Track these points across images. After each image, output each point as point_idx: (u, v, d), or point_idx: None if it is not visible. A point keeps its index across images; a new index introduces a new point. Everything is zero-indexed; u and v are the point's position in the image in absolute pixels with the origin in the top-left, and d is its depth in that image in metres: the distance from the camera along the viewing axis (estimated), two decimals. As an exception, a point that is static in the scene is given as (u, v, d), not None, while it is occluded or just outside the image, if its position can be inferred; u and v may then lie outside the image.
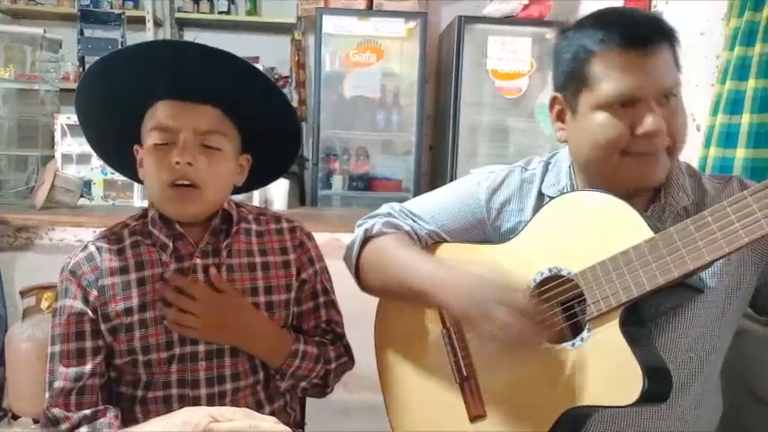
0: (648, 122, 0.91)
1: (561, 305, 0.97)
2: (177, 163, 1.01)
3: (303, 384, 1.15)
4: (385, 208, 1.21)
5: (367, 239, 1.15)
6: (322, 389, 1.19)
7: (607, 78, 0.92)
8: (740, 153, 1.61)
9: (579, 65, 0.95)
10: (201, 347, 1.07)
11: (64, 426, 1.02)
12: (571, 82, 0.98)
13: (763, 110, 1.58)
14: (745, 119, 1.61)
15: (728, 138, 1.66)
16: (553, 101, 1.04)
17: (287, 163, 1.23)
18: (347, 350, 1.22)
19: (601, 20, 0.95)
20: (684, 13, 2.06)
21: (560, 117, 1.03)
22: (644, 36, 0.91)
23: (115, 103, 1.07)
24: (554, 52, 1.03)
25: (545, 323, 0.96)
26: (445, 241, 1.15)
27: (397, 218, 1.17)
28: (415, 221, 1.16)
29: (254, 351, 1.10)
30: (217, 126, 1.04)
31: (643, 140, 0.92)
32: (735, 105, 1.65)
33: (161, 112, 1.03)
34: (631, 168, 0.94)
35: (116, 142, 1.12)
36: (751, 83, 1.61)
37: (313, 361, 1.13)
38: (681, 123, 0.95)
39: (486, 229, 1.13)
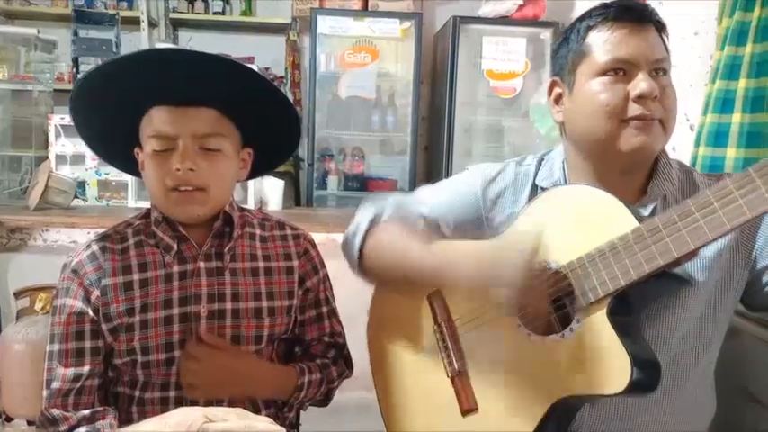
0: (642, 84, 0.95)
1: (550, 297, 0.98)
2: (178, 170, 1.01)
3: (307, 404, 1.18)
4: (389, 197, 1.20)
5: (372, 225, 1.13)
6: (323, 402, 1.21)
7: (602, 47, 0.98)
8: (731, 152, 1.62)
9: (577, 42, 1.02)
10: None
11: (63, 426, 1.02)
12: (569, 60, 1.03)
13: (754, 109, 1.59)
14: (736, 118, 1.61)
15: (718, 137, 1.67)
16: (552, 85, 1.09)
17: (288, 151, 1.22)
18: (347, 361, 1.23)
19: (596, 8, 1.02)
20: (678, 14, 2.07)
21: (558, 101, 1.08)
22: (636, 12, 0.99)
23: (108, 112, 1.07)
24: (552, 50, 1.11)
25: (534, 316, 0.97)
26: (442, 234, 1.15)
27: (402, 206, 1.17)
28: (418, 211, 1.16)
29: (261, 397, 1.10)
30: (214, 128, 1.04)
31: (639, 104, 0.96)
32: (725, 105, 1.66)
33: (157, 119, 1.03)
34: (629, 136, 0.97)
35: (116, 144, 1.12)
36: (742, 82, 1.61)
37: (317, 386, 1.15)
38: (672, 99, 0.99)
39: (482, 222, 1.13)
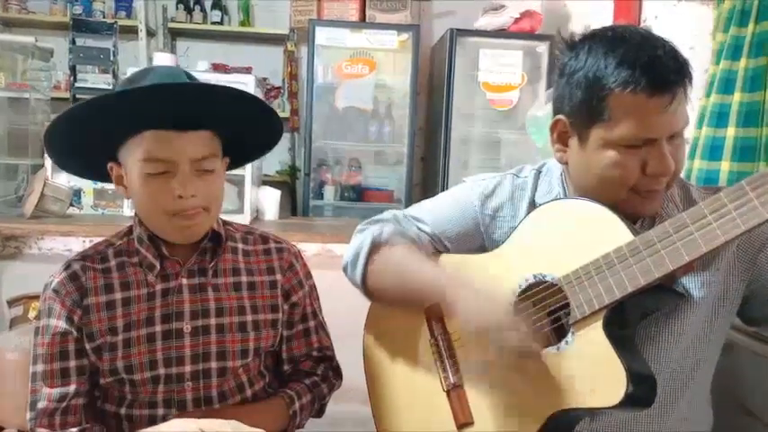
0: (661, 163, 0.92)
1: (546, 310, 0.98)
2: (180, 196, 0.99)
3: (304, 423, 1.17)
4: (387, 214, 1.20)
5: (375, 245, 1.13)
6: (317, 415, 1.21)
7: (627, 120, 0.91)
8: (725, 166, 1.63)
9: (596, 98, 0.92)
10: (188, 368, 1.05)
11: None
12: (584, 112, 0.95)
13: (747, 123, 1.60)
14: (731, 132, 1.62)
15: (713, 150, 1.68)
16: (556, 123, 1.01)
17: (269, 144, 1.19)
18: (336, 371, 1.23)
19: (622, 53, 0.91)
20: (673, 28, 2.09)
21: (562, 139, 1.01)
22: (670, 82, 0.90)
23: (94, 137, 1.02)
24: (560, 69, 0.99)
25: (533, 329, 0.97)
26: (445, 248, 1.15)
27: (402, 223, 1.17)
28: (418, 227, 1.16)
29: None
30: (210, 150, 1.03)
31: (652, 179, 0.94)
32: (720, 119, 1.67)
33: (151, 143, 0.99)
34: (635, 203, 0.96)
35: (88, 160, 1.08)
36: (736, 96, 1.63)
37: (310, 407, 1.15)
38: (683, 157, 0.97)
39: (482, 235, 1.13)
